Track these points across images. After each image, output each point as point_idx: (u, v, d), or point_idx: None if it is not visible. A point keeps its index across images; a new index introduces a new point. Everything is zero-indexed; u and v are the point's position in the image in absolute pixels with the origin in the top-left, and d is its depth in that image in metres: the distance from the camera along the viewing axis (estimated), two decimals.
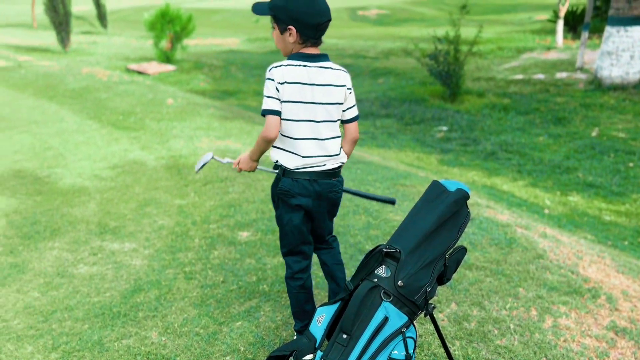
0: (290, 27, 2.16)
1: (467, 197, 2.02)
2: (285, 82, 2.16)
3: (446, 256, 1.98)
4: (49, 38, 21.36)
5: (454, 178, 6.81)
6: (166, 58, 16.32)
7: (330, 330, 1.97)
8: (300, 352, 1.93)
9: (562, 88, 10.91)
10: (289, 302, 2.87)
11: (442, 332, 2.42)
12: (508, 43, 17.58)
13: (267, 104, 2.16)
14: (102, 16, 24.65)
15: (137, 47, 20.15)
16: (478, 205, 4.41)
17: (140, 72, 14.35)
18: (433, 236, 1.94)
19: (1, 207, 4.40)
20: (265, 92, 2.17)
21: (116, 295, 3.02)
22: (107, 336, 2.64)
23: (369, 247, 3.55)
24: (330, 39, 22.13)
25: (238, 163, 2.39)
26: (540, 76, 11.98)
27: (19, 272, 3.35)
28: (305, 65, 2.19)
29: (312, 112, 2.22)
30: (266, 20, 29.94)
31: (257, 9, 2.19)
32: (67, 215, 4.19)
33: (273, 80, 2.15)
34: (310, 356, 1.94)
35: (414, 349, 1.90)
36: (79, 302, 2.97)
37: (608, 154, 7.49)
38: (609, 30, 10.06)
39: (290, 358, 1.99)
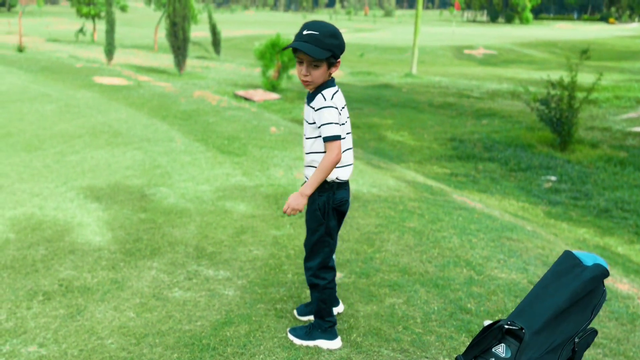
0: (339, 60, 2.55)
1: (606, 274, 1.77)
2: (342, 106, 2.58)
3: (576, 340, 1.74)
4: (167, 60, 22.83)
5: (563, 234, 6.32)
6: (272, 87, 16.85)
7: None
8: None
9: None
10: (382, 355, 2.70)
11: None
12: (626, 92, 16.48)
13: (335, 131, 2.49)
14: (216, 43, 26.05)
15: (246, 74, 21.01)
16: None
17: (246, 99, 14.88)
18: (563, 316, 1.71)
19: (109, 220, 4.59)
20: (331, 119, 2.49)
21: (207, 326, 2.98)
22: None
23: (471, 305, 3.30)
24: (433, 76, 21.91)
25: (288, 208, 2.66)
26: None
27: (118, 289, 3.42)
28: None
29: (348, 126, 2.68)
30: (370, 55, 30.24)
31: (315, 53, 2.40)
32: (168, 236, 4.28)
33: (336, 107, 2.53)
34: None
35: None
36: (170, 328, 2.96)
37: None
38: None
39: None
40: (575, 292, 1.72)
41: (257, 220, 4.67)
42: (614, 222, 6.87)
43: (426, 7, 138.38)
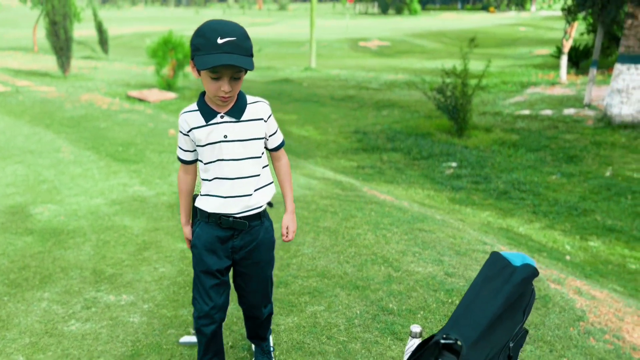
0: None
1: (536, 274, 1.71)
2: None
3: (510, 344, 1.66)
4: (50, 62, 21.21)
5: (468, 218, 6.50)
6: (167, 85, 16.13)
7: None
8: None
9: (571, 125, 10.70)
10: None
11: None
12: (511, 77, 17.49)
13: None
14: (103, 41, 24.58)
15: (138, 74, 19.99)
16: None
17: (140, 99, 14.11)
18: (498, 322, 1.63)
19: None
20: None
21: None
22: None
23: (393, 305, 3.22)
24: (333, 69, 22.07)
25: (291, 233, 2.45)
26: (548, 112, 11.79)
27: (2, 328, 2.99)
28: None
29: None
30: (268, 49, 29.97)
31: (249, 64, 2.03)
32: (60, 260, 3.84)
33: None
34: None
35: None
36: None
37: (625, 195, 7.21)
38: (618, 67, 9.90)
39: None
40: (508, 297, 1.65)
41: (161, 234, 4.33)
42: (513, 203, 7.18)
43: (320, 0, 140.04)
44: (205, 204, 2.24)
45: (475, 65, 13.45)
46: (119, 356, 2.71)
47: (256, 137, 2.22)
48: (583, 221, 6.53)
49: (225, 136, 2.16)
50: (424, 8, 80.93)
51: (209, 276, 2.28)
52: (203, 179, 2.26)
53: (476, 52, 25.25)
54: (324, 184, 6.04)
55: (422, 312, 3.14)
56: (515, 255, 1.75)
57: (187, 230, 2.40)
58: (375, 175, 8.23)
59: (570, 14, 13.44)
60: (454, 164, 8.82)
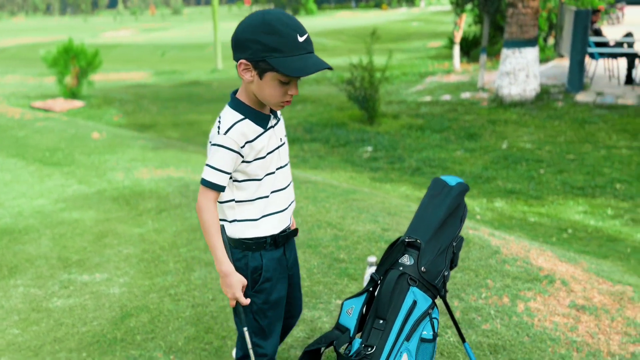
0: None
1: (467, 189, 2.27)
2: None
3: (453, 244, 2.20)
4: None
5: (388, 194, 7.17)
6: (72, 94, 15.69)
7: (360, 319, 2.10)
8: (338, 342, 2.04)
9: (468, 107, 11.79)
10: None
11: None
12: (411, 69, 18.67)
13: None
14: None
15: (36, 85, 19.17)
16: None
17: (46, 110, 13.67)
18: (443, 227, 2.16)
19: None
20: None
21: (105, 324, 2.95)
22: None
23: (343, 256, 3.72)
24: (232, 69, 22.32)
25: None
26: (447, 97, 12.86)
27: None
28: None
29: None
30: (170, 53, 29.57)
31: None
32: (21, 253, 3.99)
33: None
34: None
35: (437, 329, 2.09)
36: (66, 334, 2.87)
37: (520, 163, 8.21)
38: (505, 52, 11.07)
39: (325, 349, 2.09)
40: (449, 207, 2.19)
41: (114, 223, 4.56)
42: (425, 177, 7.95)
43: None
44: (267, 228, 1.90)
45: (377, 60, 14.34)
46: (111, 319, 3.00)
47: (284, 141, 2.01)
48: (487, 187, 7.40)
49: (281, 139, 1.99)
50: (319, 8, 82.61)
51: (281, 309, 2.02)
52: (247, 200, 1.88)
53: (375, 47, 26.51)
54: None
55: (365, 259, 3.67)
56: (450, 178, 2.30)
57: (239, 277, 1.85)
58: (299, 163, 8.73)
59: (458, 6, 14.67)
60: (369, 148, 9.52)
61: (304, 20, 60.72)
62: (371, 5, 77.30)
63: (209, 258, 3.70)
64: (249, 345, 1.90)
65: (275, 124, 1.93)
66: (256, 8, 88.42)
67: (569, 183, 7.22)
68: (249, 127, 1.81)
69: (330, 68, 1.70)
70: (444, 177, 2.31)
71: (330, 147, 9.77)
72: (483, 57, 12.71)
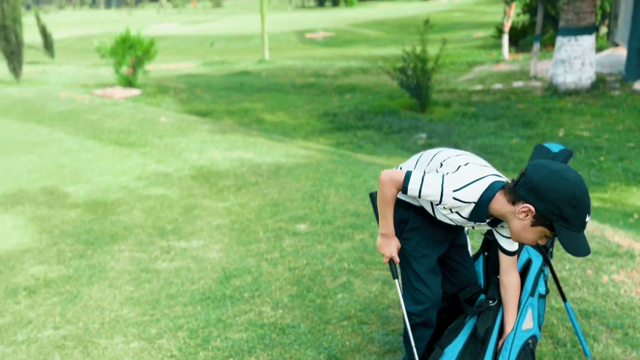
0: None
1: (572, 154, 2.40)
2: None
3: None
4: None
5: None
6: (128, 83, 16.25)
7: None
8: (465, 292, 2.21)
9: (521, 95, 11.72)
10: (377, 276, 3.16)
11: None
12: (458, 58, 18.59)
13: None
14: (48, 45, 24.16)
15: (92, 74, 19.87)
16: None
17: (106, 97, 14.22)
18: None
19: (46, 219, 4.45)
20: None
21: (211, 283, 3.21)
22: (224, 314, 2.84)
23: None
24: (285, 60, 22.61)
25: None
26: (498, 86, 12.81)
27: (100, 272, 3.47)
28: None
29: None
30: (218, 44, 30.12)
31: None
32: (118, 223, 4.30)
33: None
34: None
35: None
36: (178, 291, 3.14)
37: (579, 150, 8.18)
38: (560, 40, 10.96)
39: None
40: None
41: (198, 198, 4.84)
42: None
43: None
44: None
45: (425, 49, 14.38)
46: (217, 279, 3.25)
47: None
48: None
49: (467, 229, 2.25)
50: None
51: (432, 262, 2.20)
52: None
53: (419, 38, 26.40)
54: (321, 153, 6.66)
55: None
56: (553, 145, 2.44)
57: (397, 240, 2.15)
58: (355, 149, 8.91)
59: None
60: (423, 135, 9.61)
61: (346, 11, 60.63)
62: None
63: (295, 229, 3.93)
64: (401, 302, 2.15)
65: (481, 224, 1.99)
66: (295, 0, 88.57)
67: (631, 170, 7.18)
68: (468, 208, 1.90)
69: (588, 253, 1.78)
70: (546, 144, 2.45)
71: (384, 134, 9.91)
72: (536, 46, 12.59)
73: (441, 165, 2.00)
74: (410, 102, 11.73)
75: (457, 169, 1.92)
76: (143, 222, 4.28)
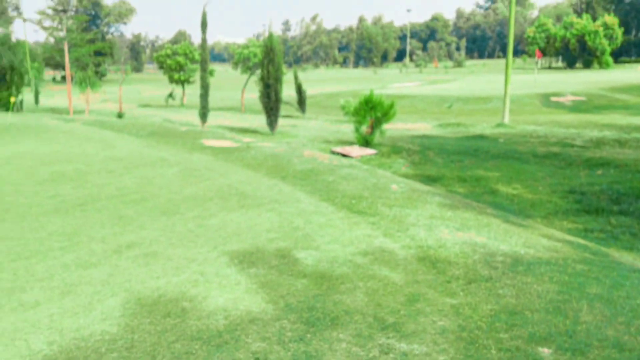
0: None
1: None
2: None
3: None
4: (256, 121, 23.59)
5: None
6: (365, 142, 16.93)
7: None
8: None
9: None
10: None
11: None
12: None
13: None
14: (302, 102, 26.79)
15: (334, 131, 21.29)
16: None
17: (344, 155, 14.96)
18: None
19: (274, 286, 4.54)
20: None
21: None
22: None
23: None
24: (526, 125, 21.34)
25: None
26: None
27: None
28: None
29: None
30: (454, 105, 30.03)
31: None
32: (340, 304, 4.15)
33: None
34: None
35: None
36: None
37: None
38: None
39: None
40: None
41: (423, 287, 4.47)
42: None
43: (497, 57, 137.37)
44: None
45: None
46: None
47: None
48: None
49: None
50: (617, 61, 75.07)
51: None
52: None
53: None
54: (569, 246, 5.77)
55: None
56: None
57: None
58: (608, 240, 7.65)
59: None
60: None
61: (599, 73, 55.70)
62: None
63: (537, 353, 3.29)
64: None
65: None
66: (542, 61, 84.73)
67: None
68: None
69: None
70: None
71: None
72: None
73: None
74: None
75: None
76: (364, 308, 4.06)
